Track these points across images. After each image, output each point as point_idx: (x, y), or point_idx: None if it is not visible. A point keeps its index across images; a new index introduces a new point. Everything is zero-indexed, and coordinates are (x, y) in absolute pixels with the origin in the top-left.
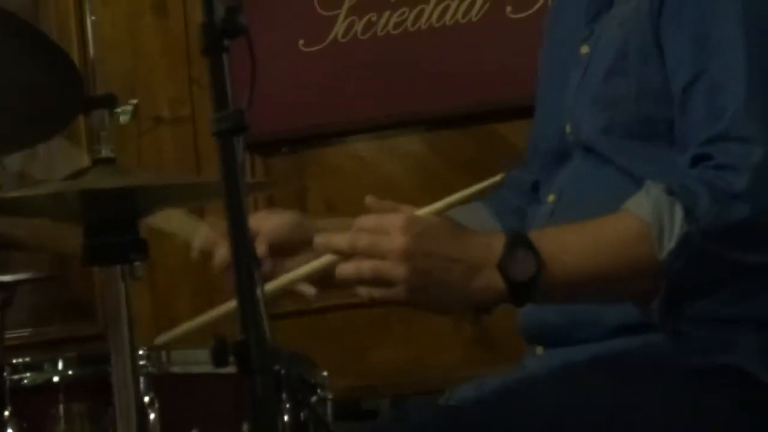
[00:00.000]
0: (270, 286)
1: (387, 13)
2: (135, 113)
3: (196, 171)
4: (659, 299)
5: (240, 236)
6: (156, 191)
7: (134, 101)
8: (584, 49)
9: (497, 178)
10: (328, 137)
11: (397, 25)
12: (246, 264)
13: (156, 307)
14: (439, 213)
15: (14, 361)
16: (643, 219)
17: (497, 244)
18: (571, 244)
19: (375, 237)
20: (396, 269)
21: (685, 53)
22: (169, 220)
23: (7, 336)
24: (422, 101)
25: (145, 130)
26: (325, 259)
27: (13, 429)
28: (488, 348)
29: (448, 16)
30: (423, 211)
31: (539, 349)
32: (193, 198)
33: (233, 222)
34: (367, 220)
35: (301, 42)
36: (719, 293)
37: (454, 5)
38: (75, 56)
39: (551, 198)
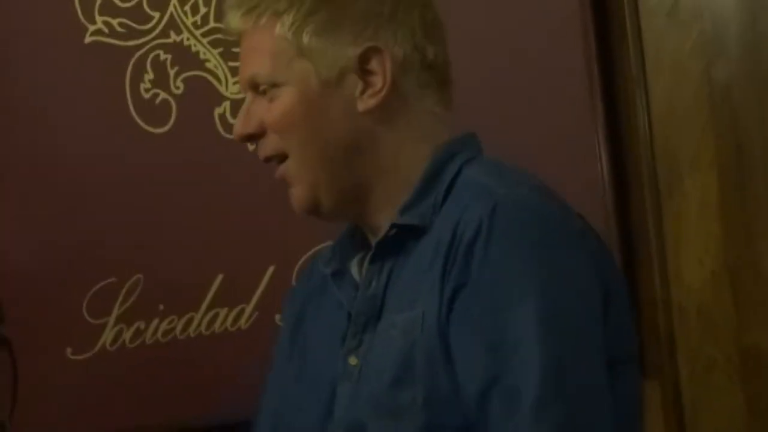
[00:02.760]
0: None
1: (155, 321)
2: None
3: None
4: None
5: None
6: None
7: None
8: (353, 360)
9: None
10: None
11: (165, 333)
12: None
13: None
14: None
15: None
16: None
17: None
18: None
19: None
20: None
21: (479, 357)
22: None
23: None
24: (192, 409)
25: None
26: None
27: None
28: None
29: (217, 324)
30: None
31: None
32: None
33: None
34: None
35: (69, 350)
36: None
37: (223, 313)
38: None
39: None
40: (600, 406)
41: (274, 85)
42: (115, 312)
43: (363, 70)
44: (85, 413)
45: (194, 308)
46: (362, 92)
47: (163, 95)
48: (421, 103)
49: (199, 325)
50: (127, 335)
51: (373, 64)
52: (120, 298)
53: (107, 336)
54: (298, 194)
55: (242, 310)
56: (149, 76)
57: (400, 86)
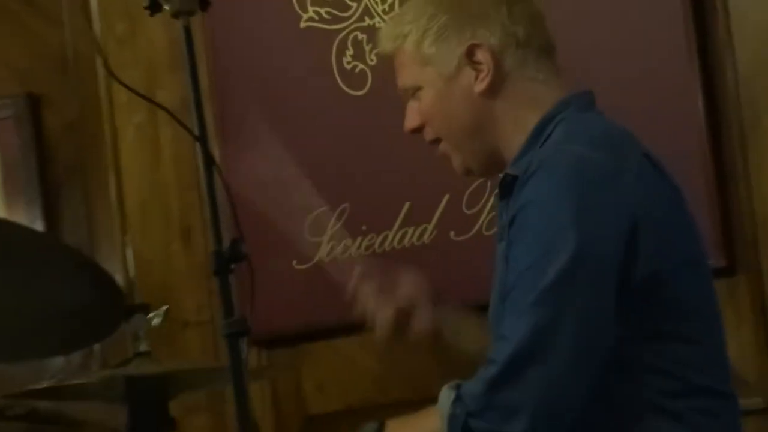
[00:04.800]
0: None
1: (359, 239)
2: (166, 317)
3: (215, 363)
4: None
5: (244, 417)
6: (182, 376)
7: (165, 307)
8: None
9: None
10: (318, 335)
11: (366, 248)
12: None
13: None
14: None
15: None
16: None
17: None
18: (406, 424)
19: None
20: None
21: (517, 256)
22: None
23: None
24: None
25: (175, 331)
26: None
27: None
28: None
29: (406, 241)
30: None
31: None
32: (211, 383)
33: (239, 405)
34: None
35: (294, 261)
36: None
37: (411, 231)
38: (120, 276)
39: None
40: (581, 318)
41: (417, 89)
42: (329, 232)
43: (472, 62)
44: (308, 309)
45: (388, 228)
46: (475, 79)
47: (360, 66)
48: (523, 75)
49: (392, 241)
50: (338, 250)
51: (478, 56)
52: (332, 222)
53: (323, 251)
54: (455, 165)
55: (425, 229)
56: (350, 51)
57: (502, 66)
